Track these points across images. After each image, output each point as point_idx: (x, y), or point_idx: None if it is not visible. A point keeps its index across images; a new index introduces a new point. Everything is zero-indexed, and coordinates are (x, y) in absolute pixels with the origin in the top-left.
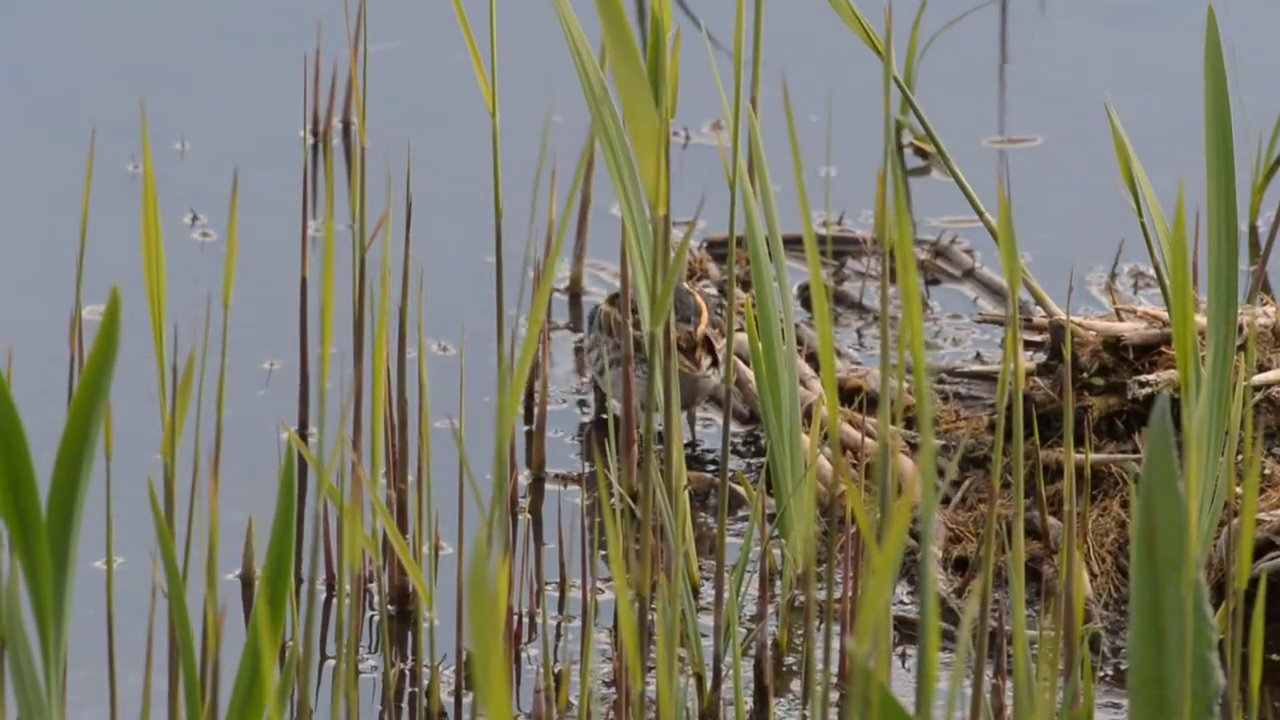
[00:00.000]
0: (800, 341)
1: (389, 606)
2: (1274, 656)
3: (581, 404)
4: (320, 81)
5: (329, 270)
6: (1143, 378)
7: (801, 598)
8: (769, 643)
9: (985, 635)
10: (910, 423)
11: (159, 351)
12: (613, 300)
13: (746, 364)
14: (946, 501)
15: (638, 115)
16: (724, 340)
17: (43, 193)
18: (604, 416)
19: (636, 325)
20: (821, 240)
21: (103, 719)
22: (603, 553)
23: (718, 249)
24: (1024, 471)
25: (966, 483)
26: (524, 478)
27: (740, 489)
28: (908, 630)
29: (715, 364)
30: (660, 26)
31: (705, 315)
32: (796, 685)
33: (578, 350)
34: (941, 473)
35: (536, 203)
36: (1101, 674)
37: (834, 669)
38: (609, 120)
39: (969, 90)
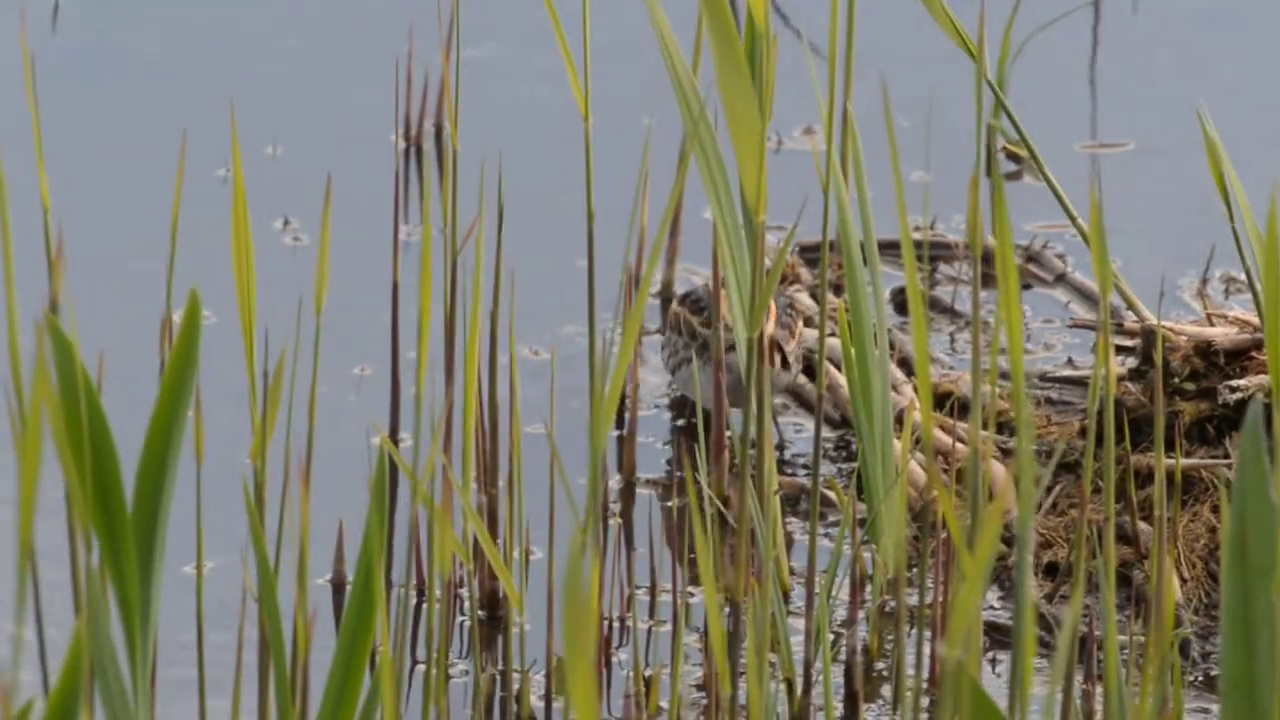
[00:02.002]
0: (891, 346)
1: (479, 612)
2: None
3: (672, 407)
4: (413, 85)
5: (426, 274)
6: (1234, 383)
7: (892, 603)
8: (859, 648)
9: (1075, 640)
10: (1001, 427)
11: (249, 356)
12: (683, 300)
13: (838, 369)
14: (1038, 507)
15: (740, 119)
16: (794, 341)
17: (134, 198)
18: (691, 420)
19: (704, 324)
20: (916, 245)
21: None
22: (693, 556)
23: (809, 253)
24: (1115, 477)
25: (1058, 488)
26: (615, 482)
27: (831, 494)
28: (998, 636)
29: (785, 365)
30: (757, 30)
31: (774, 316)
32: (887, 691)
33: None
34: (1034, 479)
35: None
36: (1191, 679)
37: (924, 675)
38: (702, 125)
39: (1061, 94)
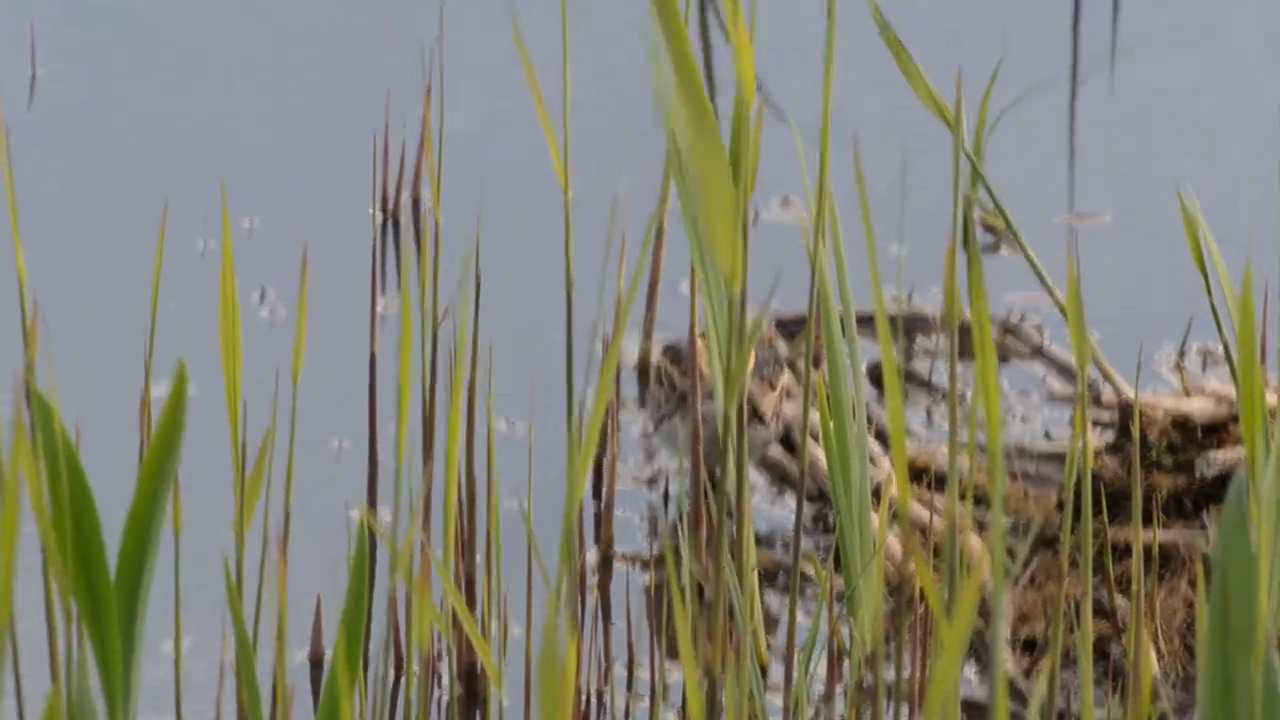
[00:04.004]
0: (869, 420)
1: (458, 686)
2: None
3: (650, 481)
4: (390, 157)
5: (406, 346)
6: (1211, 456)
7: (870, 678)
8: None
9: (1054, 715)
10: (979, 501)
11: (233, 429)
12: (665, 351)
13: (816, 441)
14: (1015, 581)
15: (713, 190)
16: (772, 394)
17: (110, 269)
18: (670, 488)
19: (684, 373)
20: (892, 319)
21: None
22: (670, 632)
23: (787, 327)
24: (1092, 550)
25: (1035, 562)
26: (592, 556)
27: (809, 568)
28: (975, 713)
29: (760, 419)
30: (743, 103)
31: (750, 369)
32: None
33: (647, 431)
34: (1012, 553)
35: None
36: None
37: None
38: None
39: (1038, 166)
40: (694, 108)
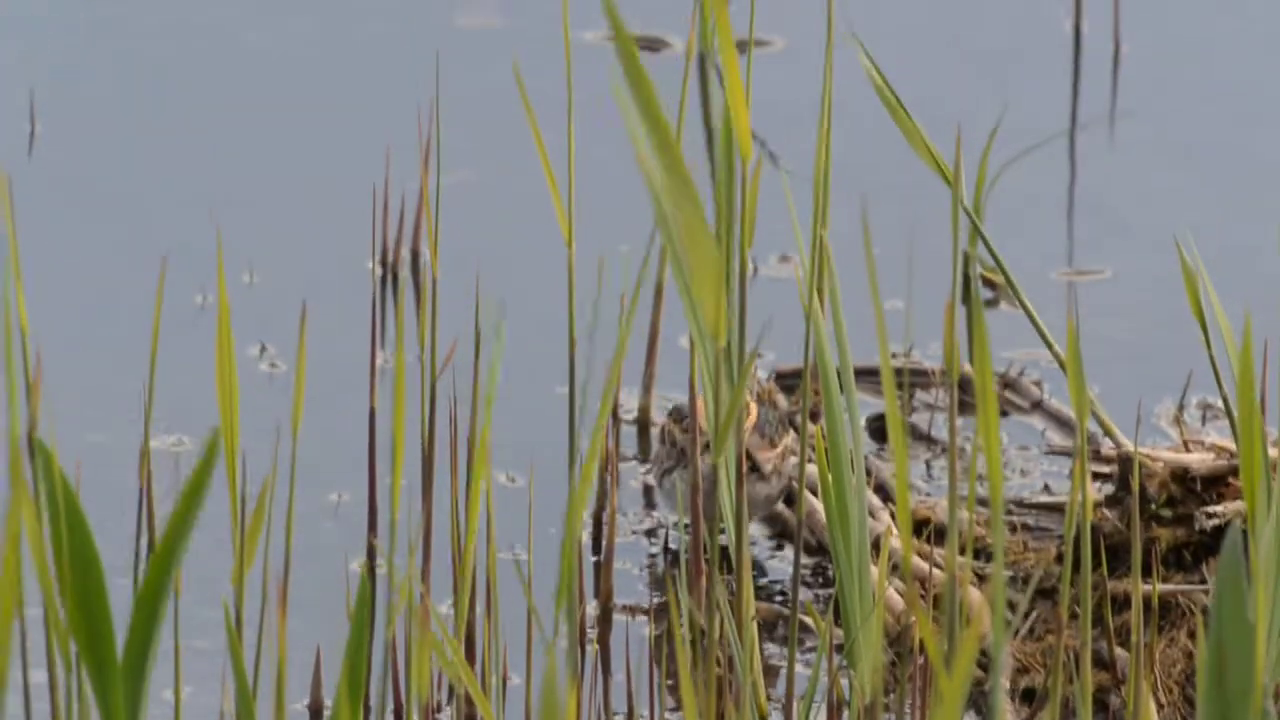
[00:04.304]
0: (868, 473)
1: None
2: None
3: (650, 534)
4: (389, 211)
5: (400, 400)
6: (1210, 509)
7: None
8: None
9: None
10: (979, 554)
11: (230, 480)
12: (671, 413)
13: (815, 495)
14: (1014, 632)
15: (696, 244)
16: (774, 451)
17: (110, 324)
18: (672, 547)
19: (683, 430)
20: (894, 372)
21: None
22: (670, 683)
23: (786, 380)
24: (1092, 602)
25: (1035, 613)
26: (592, 608)
27: (808, 619)
28: None
29: (760, 474)
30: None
31: (754, 423)
32: None
33: (648, 488)
34: (1012, 605)
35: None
36: None
37: None
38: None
39: (1038, 222)
40: (672, 171)
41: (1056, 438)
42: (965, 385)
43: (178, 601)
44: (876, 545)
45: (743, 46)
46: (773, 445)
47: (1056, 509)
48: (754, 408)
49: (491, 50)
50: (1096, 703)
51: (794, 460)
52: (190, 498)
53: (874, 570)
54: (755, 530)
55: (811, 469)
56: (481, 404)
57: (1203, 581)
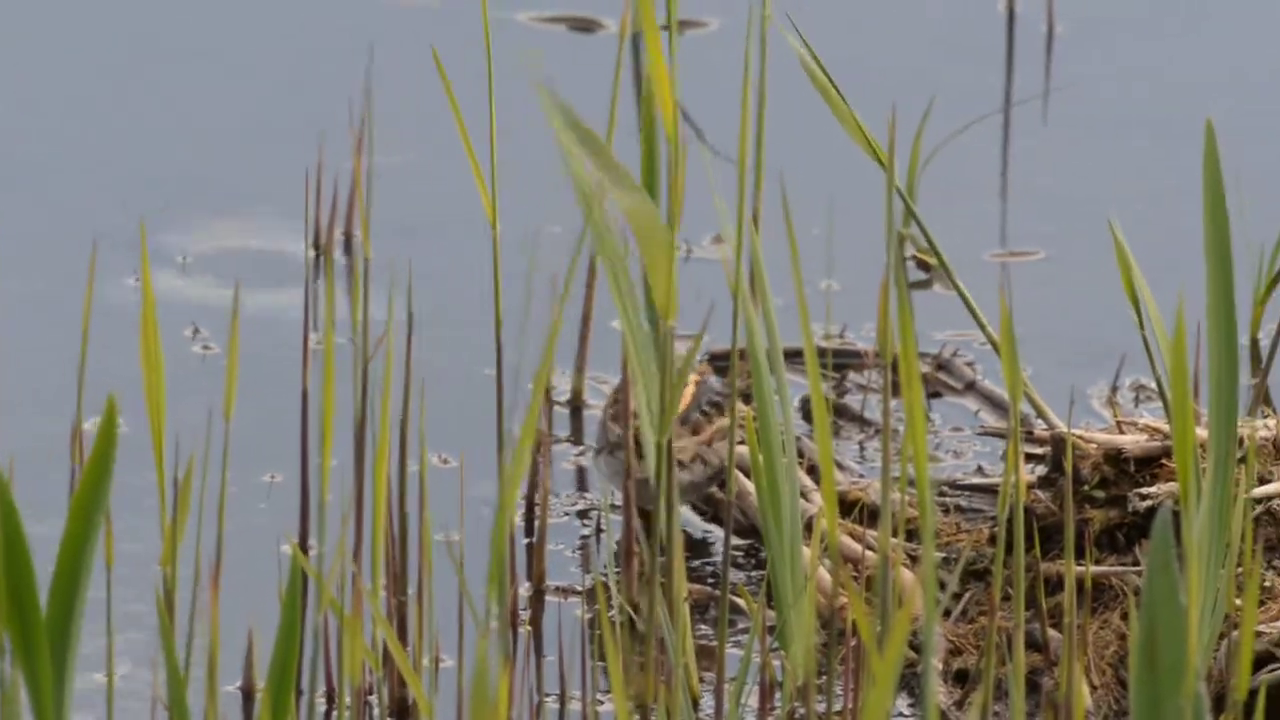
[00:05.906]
0: (801, 454)
1: (389, 719)
2: None
3: (582, 515)
4: (322, 194)
5: (329, 381)
6: (1143, 490)
7: (801, 710)
8: None
9: None
10: (911, 535)
11: (158, 462)
12: (616, 390)
13: (747, 476)
14: (947, 614)
15: (646, 225)
16: (696, 440)
17: (44, 305)
18: (602, 529)
19: (614, 418)
20: (823, 353)
21: None
22: (602, 664)
23: (719, 361)
24: (1024, 584)
25: (967, 595)
26: (524, 590)
27: (740, 601)
28: None
29: (680, 464)
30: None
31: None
32: None
33: (581, 469)
34: (943, 585)
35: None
36: None
37: None
38: (606, 235)
39: (971, 202)
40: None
41: (990, 419)
42: (899, 366)
43: (109, 585)
44: (809, 526)
45: (680, 27)
46: (695, 432)
47: (990, 490)
48: (690, 391)
49: (431, 30)
50: (1029, 684)
51: (723, 444)
52: (102, 445)
53: (806, 552)
54: (687, 513)
55: (742, 450)
56: (415, 385)
57: (1136, 563)
